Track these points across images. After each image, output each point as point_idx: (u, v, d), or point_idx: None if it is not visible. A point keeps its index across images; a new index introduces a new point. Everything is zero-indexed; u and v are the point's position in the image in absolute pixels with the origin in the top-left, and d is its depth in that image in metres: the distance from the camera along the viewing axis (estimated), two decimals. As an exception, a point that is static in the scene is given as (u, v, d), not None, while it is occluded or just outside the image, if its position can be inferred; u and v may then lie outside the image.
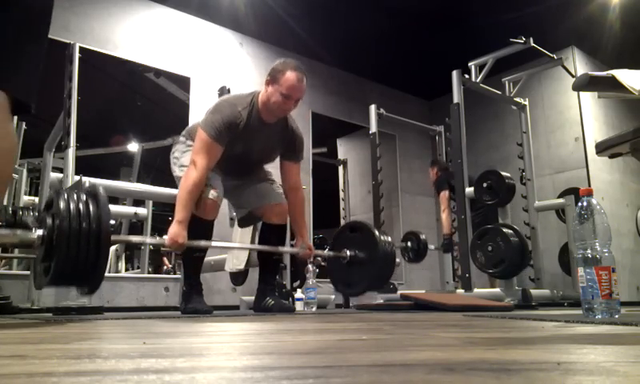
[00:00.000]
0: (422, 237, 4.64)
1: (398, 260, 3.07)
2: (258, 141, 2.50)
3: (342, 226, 2.99)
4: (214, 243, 2.50)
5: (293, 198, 2.67)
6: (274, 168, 2.83)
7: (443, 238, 4.62)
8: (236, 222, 3.31)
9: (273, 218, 2.67)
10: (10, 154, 1.35)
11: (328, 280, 3.06)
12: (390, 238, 2.78)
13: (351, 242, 2.78)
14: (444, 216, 4.47)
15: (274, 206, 2.66)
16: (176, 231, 2.24)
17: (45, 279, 1.69)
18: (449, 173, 4.52)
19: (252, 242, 3.16)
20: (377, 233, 2.73)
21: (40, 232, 1.68)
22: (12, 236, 1.77)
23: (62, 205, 1.65)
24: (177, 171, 2.58)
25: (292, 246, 2.88)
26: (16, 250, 3.59)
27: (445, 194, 4.43)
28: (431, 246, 4.74)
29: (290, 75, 2.39)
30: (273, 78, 2.41)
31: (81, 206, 1.67)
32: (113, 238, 1.86)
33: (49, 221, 1.67)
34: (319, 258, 3.07)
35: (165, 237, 2.30)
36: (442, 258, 4.82)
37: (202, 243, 2.39)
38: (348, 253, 2.73)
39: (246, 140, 2.46)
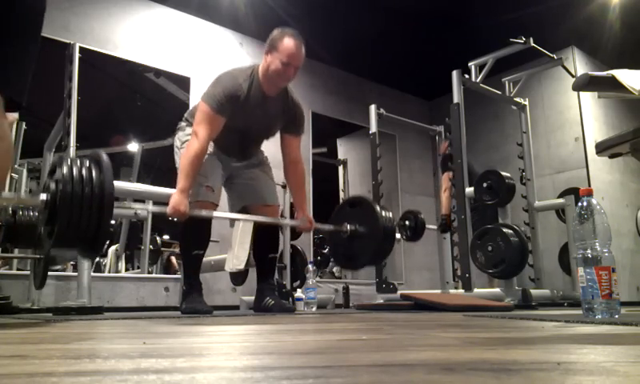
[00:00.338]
0: (420, 216, 4.65)
1: (397, 235, 3.05)
2: (259, 113, 2.50)
3: (342, 201, 2.98)
4: (216, 214, 2.48)
5: (293, 171, 2.68)
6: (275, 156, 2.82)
7: (441, 218, 4.61)
8: (236, 221, 3.31)
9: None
10: (8, 154, 1.37)
11: (328, 280, 3.05)
12: (390, 214, 2.76)
13: (351, 216, 2.77)
14: (444, 196, 4.46)
15: (266, 208, 2.66)
16: (178, 200, 2.26)
17: (48, 243, 1.72)
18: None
19: (253, 240, 3.15)
20: (377, 207, 2.73)
21: (44, 196, 1.71)
22: (16, 199, 1.80)
23: (65, 170, 1.67)
24: (178, 162, 2.58)
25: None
26: (16, 250, 3.59)
27: (448, 175, 4.41)
28: (429, 226, 4.75)
29: (289, 42, 2.40)
30: (271, 47, 2.42)
31: (84, 171, 1.70)
32: (115, 205, 1.89)
33: (52, 186, 1.70)
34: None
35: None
36: (442, 258, 4.82)
37: (204, 213, 2.40)
38: (348, 227, 2.72)
39: (248, 113, 2.46)
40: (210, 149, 2.55)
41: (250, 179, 2.68)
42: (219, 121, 2.38)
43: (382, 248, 2.75)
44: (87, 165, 1.72)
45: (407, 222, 4.69)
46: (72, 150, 2.90)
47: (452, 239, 4.65)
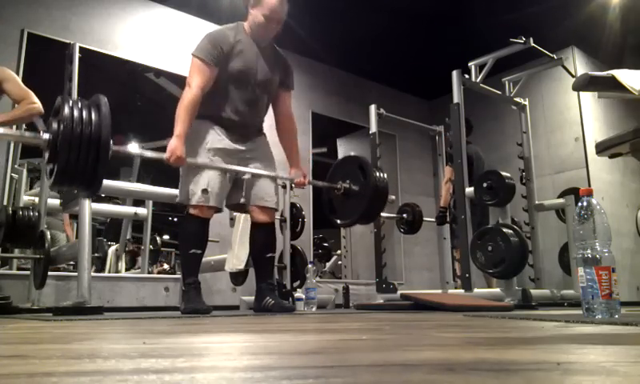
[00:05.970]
0: (418, 208, 4.65)
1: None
2: (253, 59, 2.57)
3: (338, 160, 3.07)
4: (213, 164, 2.48)
5: (287, 126, 2.75)
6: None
7: (439, 211, 4.59)
8: (236, 221, 3.31)
9: (260, 216, 2.66)
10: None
11: (328, 280, 3.06)
12: (384, 175, 2.83)
13: (346, 175, 2.84)
14: (444, 188, 4.43)
15: (263, 209, 2.65)
16: (174, 144, 2.31)
17: (49, 180, 1.88)
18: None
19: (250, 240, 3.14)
20: (371, 168, 2.80)
21: (47, 136, 1.84)
22: (20, 136, 1.94)
23: (66, 111, 1.80)
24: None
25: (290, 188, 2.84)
26: (16, 250, 3.59)
27: (451, 168, 4.38)
28: (427, 218, 4.74)
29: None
30: (255, 1, 2.53)
31: (84, 112, 1.82)
32: (114, 148, 2.00)
33: (54, 126, 1.82)
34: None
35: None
36: (442, 258, 4.82)
37: (199, 161, 2.44)
38: (342, 184, 2.78)
39: (242, 58, 2.54)
40: (217, 143, 2.52)
41: (254, 175, 2.63)
42: (210, 69, 2.46)
43: (372, 207, 2.82)
44: (87, 107, 1.84)
45: (405, 216, 4.69)
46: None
47: (452, 239, 4.65)
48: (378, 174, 2.77)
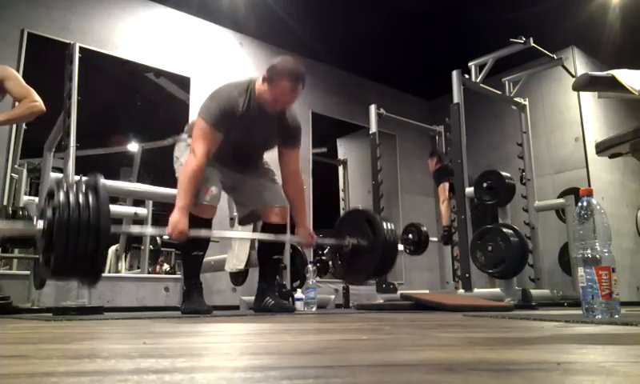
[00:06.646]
0: (423, 229, 4.62)
1: (400, 247, 3.01)
2: (257, 127, 2.48)
3: (343, 213, 2.93)
4: (215, 233, 2.48)
5: (292, 184, 2.64)
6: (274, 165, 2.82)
7: (443, 230, 4.61)
8: (236, 222, 3.31)
9: (273, 217, 2.65)
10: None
11: (328, 280, 3.04)
12: (392, 226, 2.70)
13: (353, 229, 2.70)
14: (443, 207, 4.46)
15: (275, 208, 2.65)
16: (177, 218, 2.23)
17: (47, 271, 1.72)
18: (448, 164, 4.51)
19: (252, 240, 3.15)
20: (379, 220, 2.68)
21: (41, 224, 1.70)
22: (11, 229, 1.79)
23: (61, 197, 1.65)
24: (178, 171, 2.57)
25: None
26: (16, 250, 3.59)
27: (444, 186, 4.43)
28: (432, 238, 4.74)
29: (285, 85, 2.35)
30: (270, 78, 2.38)
31: (80, 198, 1.68)
32: (113, 229, 1.85)
33: (49, 213, 1.68)
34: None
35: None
36: (443, 258, 4.82)
37: (203, 232, 2.38)
38: (350, 241, 2.65)
39: (246, 126, 2.44)
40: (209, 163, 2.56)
41: (257, 185, 2.66)
42: (216, 136, 2.37)
43: (384, 263, 2.70)
44: (84, 191, 1.70)
45: (410, 236, 4.65)
46: (72, 151, 2.90)
47: (451, 231, 4.66)
48: (386, 226, 2.63)
